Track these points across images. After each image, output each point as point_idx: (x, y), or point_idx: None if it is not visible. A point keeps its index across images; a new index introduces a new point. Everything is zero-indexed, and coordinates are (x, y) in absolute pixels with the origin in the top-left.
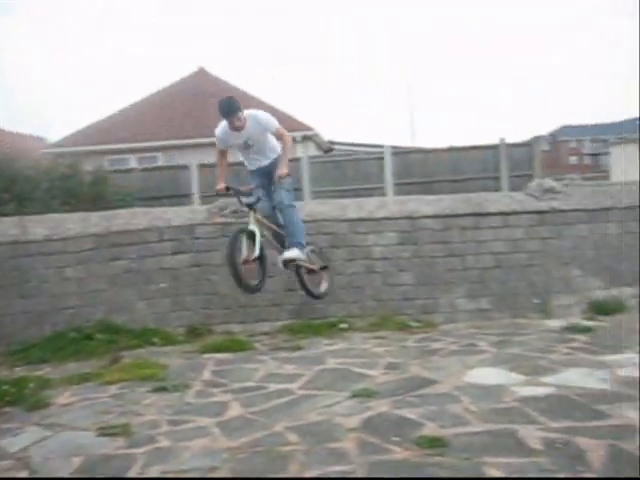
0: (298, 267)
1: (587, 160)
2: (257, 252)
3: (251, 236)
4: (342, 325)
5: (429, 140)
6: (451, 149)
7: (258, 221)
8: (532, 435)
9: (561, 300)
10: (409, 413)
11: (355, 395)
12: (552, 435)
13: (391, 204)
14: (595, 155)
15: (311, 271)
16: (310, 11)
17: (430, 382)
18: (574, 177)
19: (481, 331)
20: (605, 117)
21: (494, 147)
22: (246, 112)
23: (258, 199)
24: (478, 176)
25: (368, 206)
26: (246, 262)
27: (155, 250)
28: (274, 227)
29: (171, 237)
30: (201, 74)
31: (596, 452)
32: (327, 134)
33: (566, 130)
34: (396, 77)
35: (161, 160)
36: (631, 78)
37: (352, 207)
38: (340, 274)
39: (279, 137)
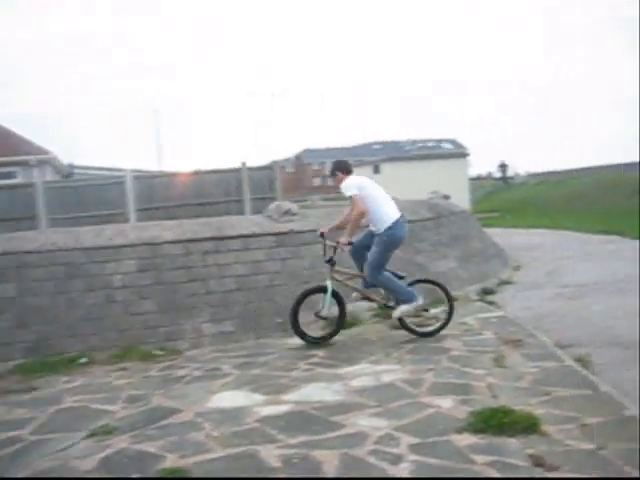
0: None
1: (330, 181)
2: (325, 309)
3: (324, 290)
4: (82, 360)
5: (177, 164)
6: (196, 173)
7: (336, 274)
8: (271, 454)
9: (301, 317)
10: (149, 447)
11: (93, 434)
12: (290, 451)
13: (130, 231)
14: None
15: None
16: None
17: (172, 411)
18: (315, 198)
19: (226, 354)
20: (343, 141)
21: (237, 171)
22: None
23: (330, 259)
24: (222, 199)
25: (106, 233)
26: (317, 315)
27: None
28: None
29: None
30: None
31: (331, 462)
32: (70, 158)
33: (309, 153)
34: (143, 103)
35: None
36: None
37: (89, 235)
38: (78, 306)
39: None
